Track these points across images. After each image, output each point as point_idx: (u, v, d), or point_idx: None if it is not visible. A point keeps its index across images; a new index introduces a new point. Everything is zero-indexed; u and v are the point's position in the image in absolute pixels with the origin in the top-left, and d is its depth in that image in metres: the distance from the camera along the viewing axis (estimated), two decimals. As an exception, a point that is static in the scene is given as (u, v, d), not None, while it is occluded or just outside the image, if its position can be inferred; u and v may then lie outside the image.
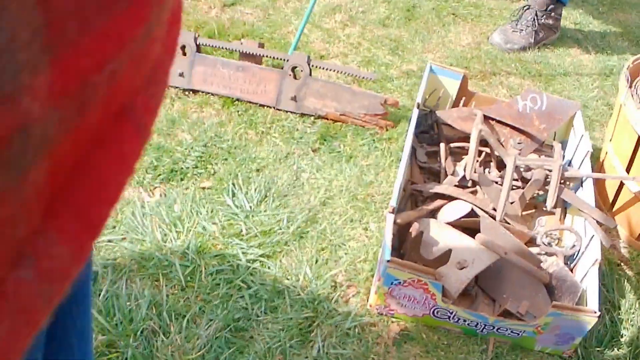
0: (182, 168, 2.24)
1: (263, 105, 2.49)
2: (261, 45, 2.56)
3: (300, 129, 2.40)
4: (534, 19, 3.10)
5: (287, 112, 2.46)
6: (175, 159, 2.27)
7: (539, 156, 2.24)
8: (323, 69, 2.48)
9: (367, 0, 3.27)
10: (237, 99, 2.52)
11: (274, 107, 2.47)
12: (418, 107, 2.16)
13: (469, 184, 2.06)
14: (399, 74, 2.72)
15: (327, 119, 2.42)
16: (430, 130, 2.29)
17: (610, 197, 2.22)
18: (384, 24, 3.07)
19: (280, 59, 2.47)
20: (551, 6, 3.11)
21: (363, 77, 2.42)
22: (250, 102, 2.50)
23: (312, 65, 2.43)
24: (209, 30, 2.91)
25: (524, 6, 3.19)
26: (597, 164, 2.36)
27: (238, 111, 2.48)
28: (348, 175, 2.19)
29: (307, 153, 2.30)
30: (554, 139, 2.32)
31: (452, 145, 2.23)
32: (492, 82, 2.78)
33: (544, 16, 3.11)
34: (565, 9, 3.28)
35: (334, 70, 2.47)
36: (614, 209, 2.20)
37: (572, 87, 2.87)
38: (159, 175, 2.22)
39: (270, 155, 2.28)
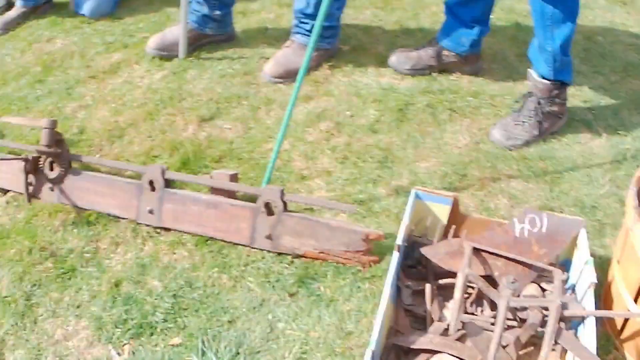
0: (151, 322, 2.25)
1: (237, 244, 2.49)
2: (234, 176, 2.56)
3: (277, 270, 2.38)
4: (536, 108, 3.00)
5: (262, 251, 2.45)
6: (144, 312, 2.28)
7: (539, 285, 2.21)
8: (297, 202, 2.47)
9: (355, 102, 3.26)
10: (211, 238, 2.53)
11: (249, 246, 2.47)
12: (398, 250, 2.10)
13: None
14: (388, 192, 2.69)
15: (306, 257, 2.40)
16: (418, 265, 2.26)
17: (619, 324, 2.15)
18: (373, 130, 3.05)
19: (252, 194, 2.48)
20: (555, 91, 3.00)
21: (342, 211, 2.43)
22: (224, 241, 2.50)
23: (286, 200, 2.42)
24: (183, 154, 2.93)
25: (526, 93, 3.09)
26: (605, 284, 2.30)
27: (211, 251, 2.48)
28: (327, 324, 2.16)
29: (283, 299, 2.27)
30: (557, 262, 2.27)
31: (441, 282, 2.20)
32: (492, 191, 2.72)
33: (548, 103, 3.01)
34: (573, 84, 3.18)
35: (310, 204, 2.48)
36: (622, 336, 2.13)
37: (581, 184, 2.80)
38: (128, 330, 2.23)
39: (244, 304, 2.26)
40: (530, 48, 3.03)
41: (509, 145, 2.98)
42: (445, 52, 3.42)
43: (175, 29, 3.68)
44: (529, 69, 3.04)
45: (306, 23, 3.38)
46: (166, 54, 3.69)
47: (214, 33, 3.75)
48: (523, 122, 3.01)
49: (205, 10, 3.64)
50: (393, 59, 3.48)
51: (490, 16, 3.40)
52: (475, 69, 3.51)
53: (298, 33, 3.47)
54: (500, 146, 2.99)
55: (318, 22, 2.43)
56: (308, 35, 3.41)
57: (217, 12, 3.66)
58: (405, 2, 4.18)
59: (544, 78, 2.97)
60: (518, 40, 3.81)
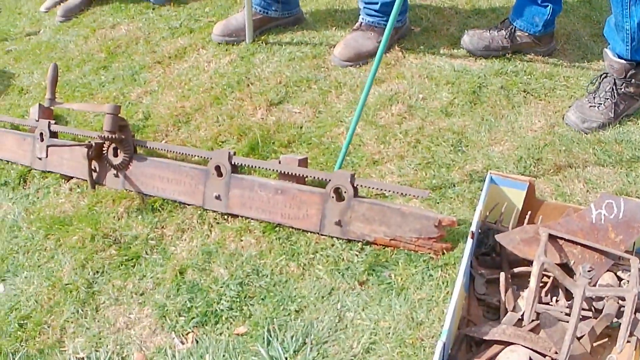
0: (216, 310, 2.26)
1: (306, 231, 2.47)
2: (303, 161, 2.54)
3: (347, 257, 2.35)
4: (612, 89, 2.93)
5: (332, 237, 2.43)
6: (209, 300, 2.29)
7: (615, 273, 2.16)
8: (368, 187, 2.44)
9: (428, 84, 3.22)
10: (279, 224, 2.52)
11: (317, 233, 2.46)
12: (472, 237, 2.07)
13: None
14: (461, 177, 2.64)
15: (376, 244, 2.37)
16: (492, 252, 2.23)
17: None
18: (447, 113, 3.01)
19: (322, 179, 2.47)
20: (632, 72, 2.91)
21: (414, 196, 2.40)
22: (292, 228, 2.49)
23: (357, 185, 2.40)
24: (251, 139, 2.93)
25: (602, 74, 3.01)
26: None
27: (279, 239, 2.47)
28: (397, 314, 2.13)
29: (353, 287, 2.25)
30: (634, 249, 2.23)
31: (516, 270, 2.15)
32: (567, 176, 2.65)
33: (624, 84, 2.93)
34: None
35: (381, 189, 2.46)
36: None
37: (659, 168, 2.71)
38: (193, 318, 2.25)
39: (312, 293, 2.25)
40: (606, 26, 2.93)
41: (584, 128, 2.92)
42: (518, 33, 3.37)
43: (240, 15, 3.67)
44: (604, 49, 2.95)
45: (374, 3, 3.35)
46: (233, 39, 3.69)
47: (279, 16, 3.75)
48: (599, 104, 2.94)
49: None
50: (466, 39, 3.42)
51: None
52: (549, 50, 3.44)
53: (367, 14, 3.44)
54: (575, 129, 2.93)
55: (397, 3, 2.40)
56: (376, 16, 3.38)
57: None
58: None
59: (620, 57, 2.87)
60: (592, 20, 3.71)
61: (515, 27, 3.35)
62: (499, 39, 3.37)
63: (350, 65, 3.39)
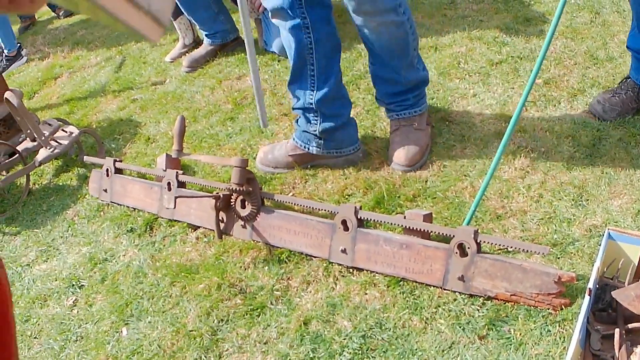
0: (338, 361, 2.44)
1: (429, 285, 2.65)
2: (428, 216, 2.72)
3: (468, 312, 2.51)
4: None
5: (454, 292, 2.60)
6: (332, 352, 2.48)
7: None
8: (490, 244, 2.60)
9: (549, 137, 3.37)
10: (403, 279, 2.71)
11: (440, 287, 2.63)
12: (590, 294, 2.20)
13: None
14: (581, 232, 2.77)
15: (497, 299, 2.53)
16: (608, 308, 2.36)
17: None
18: (568, 167, 3.14)
19: (446, 235, 2.64)
20: None
21: (535, 252, 2.57)
22: (416, 282, 2.68)
23: (480, 241, 2.56)
24: (377, 193, 3.14)
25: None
26: None
27: (403, 292, 2.65)
28: (515, 368, 2.30)
29: (473, 341, 2.41)
30: None
31: (630, 326, 2.27)
32: None
33: None
34: None
35: (503, 245, 2.62)
36: None
37: None
38: (317, 370, 2.43)
39: (433, 346, 2.42)
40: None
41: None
42: None
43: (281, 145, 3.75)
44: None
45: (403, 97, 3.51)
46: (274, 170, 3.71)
47: (323, 154, 3.55)
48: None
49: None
50: (598, 108, 3.48)
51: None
52: None
53: (394, 110, 3.56)
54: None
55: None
56: (403, 106, 3.51)
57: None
58: (593, 31, 4.27)
59: None
60: None
61: (639, 85, 3.42)
62: (628, 101, 3.44)
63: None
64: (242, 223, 3.05)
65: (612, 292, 2.29)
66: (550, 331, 2.39)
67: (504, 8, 4.82)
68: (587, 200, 2.95)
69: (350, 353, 2.47)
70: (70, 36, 6.73)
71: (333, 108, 3.32)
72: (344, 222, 2.80)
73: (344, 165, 3.46)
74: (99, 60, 5.90)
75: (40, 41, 6.80)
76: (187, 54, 5.20)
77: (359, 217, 2.79)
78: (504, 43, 4.32)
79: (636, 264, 2.43)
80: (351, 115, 3.48)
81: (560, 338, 2.36)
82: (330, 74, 3.22)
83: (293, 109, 3.37)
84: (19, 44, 6.49)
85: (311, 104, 3.26)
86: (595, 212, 2.88)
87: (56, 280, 3.21)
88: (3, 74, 4.87)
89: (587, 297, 2.19)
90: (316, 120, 3.33)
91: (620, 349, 2.18)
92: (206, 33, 5.03)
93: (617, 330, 2.22)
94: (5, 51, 6.35)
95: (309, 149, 3.44)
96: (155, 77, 5.16)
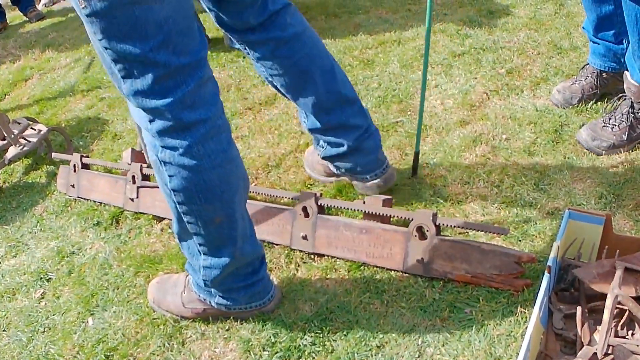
0: (299, 345, 2.40)
1: (390, 269, 2.61)
2: (387, 201, 2.68)
3: (429, 295, 2.47)
4: (629, 112, 2.99)
5: (415, 276, 2.56)
6: (293, 336, 2.45)
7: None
8: (450, 226, 2.55)
9: (511, 125, 3.34)
10: (363, 263, 2.66)
11: (401, 271, 2.58)
12: (549, 271, 2.15)
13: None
14: (543, 215, 2.74)
15: (458, 282, 2.49)
16: (571, 287, 2.31)
17: None
18: (529, 152, 3.11)
19: (405, 219, 2.60)
20: None
21: (495, 233, 2.53)
22: (376, 266, 2.63)
23: (439, 224, 2.52)
24: (339, 181, 3.12)
25: (620, 95, 3.08)
26: None
27: (364, 277, 2.60)
28: (476, 349, 2.24)
29: (434, 323, 2.37)
30: None
31: (592, 305, 2.24)
32: None
33: None
34: None
35: (462, 227, 2.57)
36: None
37: None
38: (276, 352, 2.40)
39: (394, 329, 2.37)
40: (626, 53, 2.98)
41: (593, 146, 3.02)
42: (604, 75, 3.42)
43: None
44: (624, 72, 3.00)
45: None
46: None
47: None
48: (613, 125, 3.02)
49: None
50: (557, 96, 3.47)
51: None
52: None
53: None
54: (585, 146, 3.06)
55: None
56: None
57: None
58: (557, 22, 4.26)
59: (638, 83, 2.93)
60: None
61: (599, 70, 3.40)
62: (588, 87, 3.42)
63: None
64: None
65: (573, 270, 2.26)
66: (512, 312, 2.36)
67: (468, 2, 4.81)
68: (549, 184, 2.92)
69: (311, 336, 2.43)
70: (41, 39, 6.66)
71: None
72: (304, 209, 2.76)
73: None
74: (68, 61, 5.84)
75: (12, 44, 6.72)
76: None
77: (319, 204, 2.75)
78: (467, 35, 4.30)
79: (597, 244, 2.40)
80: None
81: (522, 318, 2.32)
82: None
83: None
84: (-10, 48, 6.42)
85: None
86: (557, 196, 2.85)
87: (25, 274, 3.16)
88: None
89: (546, 275, 2.15)
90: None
91: (582, 327, 2.15)
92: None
93: (579, 309, 2.19)
94: (-23, 55, 6.28)
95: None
96: (123, 75, 5.11)
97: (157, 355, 2.53)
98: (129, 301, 2.82)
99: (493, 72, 3.81)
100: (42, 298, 3.03)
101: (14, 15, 7.85)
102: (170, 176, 2.14)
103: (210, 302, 2.53)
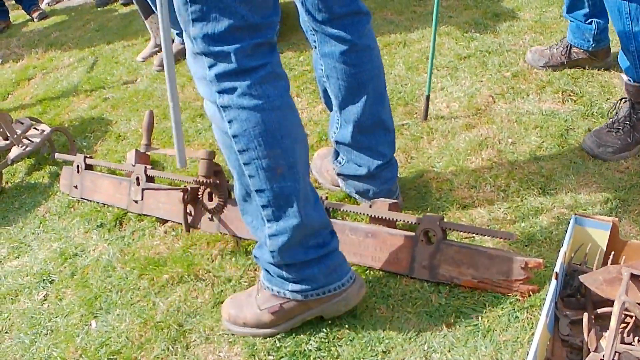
0: (304, 350, 2.39)
1: (396, 274, 2.60)
2: (394, 205, 2.67)
3: (435, 300, 2.46)
4: (630, 114, 3.04)
5: (421, 281, 2.55)
6: (298, 340, 2.43)
7: None
8: (456, 231, 2.55)
9: (517, 129, 3.34)
10: (369, 267, 2.66)
11: (407, 276, 2.57)
12: (556, 278, 2.14)
13: (615, 362, 2.09)
14: (549, 220, 2.73)
15: (464, 287, 2.48)
16: (577, 294, 2.31)
17: None
18: (535, 157, 3.11)
19: (412, 223, 2.59)
20: None
21: (501, 238, 2.52)
22: (382, 270, 2.63)
23: (445, 228, 2.51)
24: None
25: (621, 98, 3.12)
26: None
27: (369, 281, 2.59)
28: (482, 355, 2.23)
29: (440, 329, 2.35)
30: None
31: (599, 311, 2.23)
32: None
33: None
34: None
35: (468, 232, 2.57)
36: None
37: None
38: (281, 357, 2.39)
39: (400, 334, 2.36)
40: (619, 53, 3.03)
41: (599, 153, 3.03)
42: (574, 49, 3.70)
43: None
44: (621, 74, 3.04)
45: None
46: None
47: None
48: (617, 129, 3.04)
49: None
50: (528, 56, 3.81)
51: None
52: (606, 64, 3.69)
53: None
54: (590, 154, 3.06)
55: None
56: None
57: None
58: (562, 25, 4.27)
59: (634, 81, 2.97)
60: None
61: (571, 44, 3.64)
62: (557, 55, 3.67)
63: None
64: (210, 216, 2.99)
65: (580, 277, 2.23)
66: (518, 317, 2.34)
67: (473, 4, 4.81)
68: (555, 189, 2.91)
69: (317, 341, 2.41)
70: (44, 38, 6.66)
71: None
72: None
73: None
74: (71, 61, 5.84)
75: (15, 43, 6.73)
76: (158, 54, 5.14)
77: (325, 207, 2.72)
78: (473, 38, 4.30)
79: (604, 249, 2.39)
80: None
81: (528, 324, 2.31)
82: None
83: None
84: (-7, 47, 6.42)
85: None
86: (563, 201, 2.84)
87: (27, 276, 3.15)
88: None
89: (553, 281, 2.14)
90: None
91: (589, 333, 2.14)
92: (177, 32, 4.98)
93: (585, 315, 2.17)
94: (-20, 54, 6.28)
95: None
96: (127, 76, 5.12)
97: (161, 358, 2.52)
98: (132, 304, 2.81)
99: (499, 75, 3.80)
100: (45, 300, 3.01)
101: (17, 14, 7.87)
102: (229, 121, 2.10)
103: (284, 294, 2.40)
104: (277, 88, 2.11)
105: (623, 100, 3.12)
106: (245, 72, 2.05)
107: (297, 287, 2.37)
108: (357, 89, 2.70)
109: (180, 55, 4.92)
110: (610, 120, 3.11)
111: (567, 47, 3.68)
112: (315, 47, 2.70)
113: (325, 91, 2.83)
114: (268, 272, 2.41)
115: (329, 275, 2.37)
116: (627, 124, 3.04)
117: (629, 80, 2.99)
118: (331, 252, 2.36)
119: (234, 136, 2.11)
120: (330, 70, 2.68)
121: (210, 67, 2.06)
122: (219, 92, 2.09)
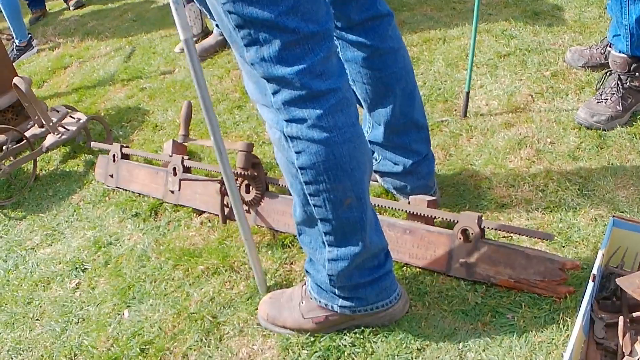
0: (339, 346, 2.40)
1: (433, 271, 2.61)
2: (432, 202, 2.67)
3: (471, 299, 2.47)
4: (617, 85, 3.17)
5: (458, 279, 2.56)
6: (332, 335, 2.44)
7: None
8: (494, 230, 2.56)
9: (556, 128, 3.34)
10: (406, 264, 2.67)
11: (444, 274, 2.59)
12: (593, 280, 2.14)
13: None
14: (587, 222, 2.73)
15: (501, 286, 2.48)
16: (613, 296, 2.31)
17: None
18: (574, 157, 3.11)
19: (450, 220, 2.60)
20: (634, 65, 3.14)
21: (539, 239, 2.52)
22: (419, 268, 2.64)
23: (483, 227, 2.52)
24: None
25: (606, 71, 3.25)
26: None
27: (406, 278, 2.61)
28: (517, 355, 2.23)
29: (476, 328, 2.37)
30: None
31: (635, 314, 2.23)
32: None
33: (628, 79, 3.17)
34: None
35: (507, 231, 2.56)
36: None
37: None
38: (315, 352, 2.40)
39: (435, 332, 2.37)
40: (610, 26, 3.20)
41: (594, 122, 3.18)
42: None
43: None
44: (608, 48, 3.19)
45: None
46: None
47: None
48: (605, 99, 3.18)
49: None
50: (568, 55, 3.80)
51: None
52: None
53: None
54: (586, 125, 3.24)
55: None
56: None
57: None
58: (602, 25, 4.26)
59: (622, 52, 3.13)
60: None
61: (609, 42, 3.56)
62: (597, 56, 3.66)
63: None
64: (246, 208, 3.01)
65: (616, 280, 2.24)
66: (554, 319, 2.35)
67: (513, 2, 4.80)
68: (593, 190, 2.91)
69: (351, 337, 2.42)
70: (80, 27, 6.71)
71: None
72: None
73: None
74: (108, 50, 5.88)
75: (51, 32, 6.77)
76: (196, 44, 5.16)
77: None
78: (512, 36, 4.29)
79: (642, 254, 2.37)
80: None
81: (563, 326, 2.31)
82: None
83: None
84: (29, 35, 6.46)
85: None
86: (600, 202, 2.83)
87: (60, 264, 3.19)
88: (14, 64, 4.81)
89: (590, 283, 2.14)
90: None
91: (624, 337, 2.14)
92: (216, 23, 4.98)
93: (621, 318, 2.18)
94: (17, 41, 6.32)
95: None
96: (165, 66, 5.15)
97: (194, 350, 2.54)
98: (166, 294, 2.83)
99: (538, 74, 3.80)
100: (77, 288, 3.05)
101: (53, 3, 7.92)
102: (297, 152, 1.99)
103: (332, 307, 2.39)
104: (348, 116, 2.00)
105: (608, 73, 3.30)
106: (315, 99, 1.93)
107: (347, 303, 2.36)
108: (384, 92, 2.67)
109: (219, 47, 4.94)
110: (598, 92, 3.28)
111: (606, 46, 3.65)
112: (338, 53, 2.62)
113: (354, 92, 2.78)
114: (320, 286, 2.39)
115: (380, 294, 2.37)
116: (614, 94, 3.20)
117: (616, 52, 3.17)
118: (386, 273, 2.36)
119: (301, 168, 2.02)
120: (356, 75, 2.65)
121: (274, 93, 1.94)
122: (287, 121, 1.97)
